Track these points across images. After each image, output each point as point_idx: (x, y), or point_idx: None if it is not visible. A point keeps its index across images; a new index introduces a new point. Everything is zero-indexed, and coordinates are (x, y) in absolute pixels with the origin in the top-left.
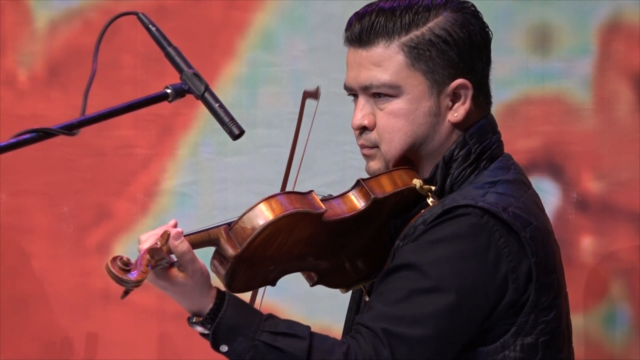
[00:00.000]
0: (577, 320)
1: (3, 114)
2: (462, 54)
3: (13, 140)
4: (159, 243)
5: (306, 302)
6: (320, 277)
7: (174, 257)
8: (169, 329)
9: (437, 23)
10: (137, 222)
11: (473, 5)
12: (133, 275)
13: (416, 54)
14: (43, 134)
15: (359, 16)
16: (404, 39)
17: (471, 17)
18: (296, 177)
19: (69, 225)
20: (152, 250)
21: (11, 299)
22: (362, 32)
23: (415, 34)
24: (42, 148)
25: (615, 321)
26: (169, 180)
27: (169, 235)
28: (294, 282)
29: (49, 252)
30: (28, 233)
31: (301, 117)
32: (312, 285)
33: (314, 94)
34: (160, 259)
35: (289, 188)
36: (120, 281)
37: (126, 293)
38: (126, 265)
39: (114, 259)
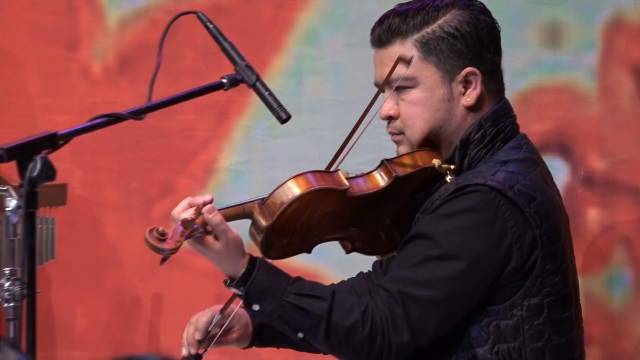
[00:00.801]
0: (584, 283)
1: (80, 101)
2: (469, 46)
3: (88, 124)
4: (192, 216)
5: (345, 267)
6: (354, 245)
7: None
8: (225, 290)
9: (445, 20)
10: (196, 196)
11: (481, 3)
12: (167, 245)
13: (428, 48)
14: (114, 119)
15: (379, 21)
16: (417, 36)
17: (478, 13)
18: (342, 158)
19: (137, 198)
20: (185, 222)
21: (87, 264)
22: (381, 34)
23: (426, 31)
24: (114, 131)
25: (616, 283)
26: (225, 160)
27: (200, 208)
28: (333, 249)
29: (119, 222)
30: (101, 205)
31: (370, 107)
32: (347, 253)
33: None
34: (193, 230)
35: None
36: (155, 249)
37: (164, 260)
38: (162, 236)
39: (151, 229)
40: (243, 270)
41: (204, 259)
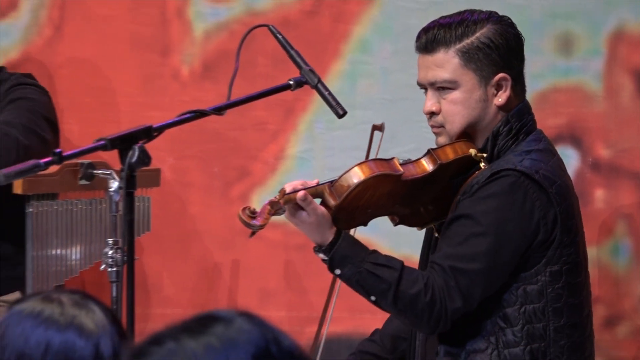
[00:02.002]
0: (592, 252)
1: (170, 100)
2: (502, 55)
3: (178, 119)
4: (277, 197)
5: (393, 238)
6: (401, 219)
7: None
8: (292, 258)
9: (482, 33)
10: (268, 179)
11: (509, 18)
12: (257, 221)
13: (467, 57)
14: (199, 114)
15: (424, 30)
16: (458, 46)
17: (508, 27)
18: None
19: (218, 181)
20: (272, 203)
21: (175, 236)
22: (427, 42)
23: (466, 42)
24: (199, 124)
25: (619, 252)
26: (292, 149)
27: (284, 191)
28: (383, 223)
29: (203, 201)
30: (188, 187)
31: (370, 146)
32: (395, 225)
33: (380, 128)
34: (278, 209)
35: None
36: (247, 225)
37: (253, 233)
38: (252, 214)
39: (244, 208)
40: (330, 239)
41: (275, 232)
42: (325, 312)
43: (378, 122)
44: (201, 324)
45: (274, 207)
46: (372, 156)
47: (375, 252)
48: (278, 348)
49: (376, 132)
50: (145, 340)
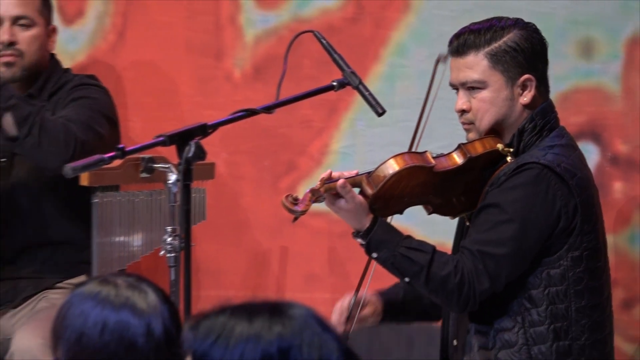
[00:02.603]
0: (610, 239)
1: (224, 100)
2: (527, 58)
3: (231, 117)
4: (318, 186)
5: (428, 226)
6: (435, 208)
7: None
8: (335, 244)
9: (509, 37)
10: (313, 173)
11: (534, 25)
12: (299, 207)
13: (496, 59)
14: (250, 113)
15: (456, 36)
16: (487, 49)
17: (533, 32)
18: (419, 141)
19: (267, 174)
20: (313, 191)
21: (228, 224)
22: (458, 46)
23: (494, 45)
24: (250, 122)
25: (635, 239)
26: (335, 144)
27: (324, 180)
28: (418, 212)
29: (254, 192)
30: (240, 179)
31: (432, 80)
32: (429, 214)
33: (444, 58)
34: (318, 196)
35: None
36: (290, 211)
37: (295, 219)
38: (295, 201)
39: (287, 196)
40: (367, 225)
41: (319, 221)
42: (358, 291)
43: (443, 54)
44: (264, 312)
45: (315, 195)
46: (434, 89)
47: (409, 237)
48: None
49: (440, 65)
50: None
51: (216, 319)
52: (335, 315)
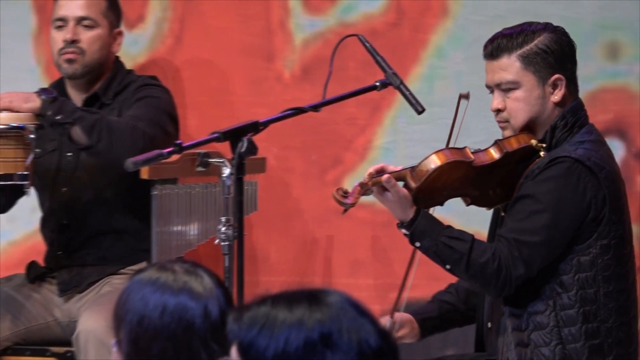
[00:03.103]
0: (635, 229)
1: (274, 99)
2: (557, 59)
3: (281, 115)
4: (366, 180)
5: (465, 216)
6: (472, 200)
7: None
8: (378, 233)
9: (540, 40)
10: (357, 166)
11: (563, 28)
12: (349, 200)
13: (527, 61)
14: (299, 111)
15: (490, 40)
16: (519, 52)
17: (561, 35)
18: (455, 140)
19: (315, 168)
20: (361, 184)
21: (279, 215)
22: (493, 50)
23: (526, 48)
24: (299, 119)
25: None
26: (378, 140)
27: (372, 174)
28: (457, 204)
29: (302, 185)
30: (289, 173)
31: (456, 113)
32: (467, 205)
33: (466, 96)
34: (367, 190)
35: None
36: (340, 203)
37: (345, 210)
38: (345, 194)
39: (337, 189)
40: (411, 216)
41: (363, 211)
42: (406, 279)
43: (464, 92)
44: (303, 300)
45: (364, 188)
46: (458, 122)
47: (449, 227)
48: (349, 339)
49: (462, 100)
50: (253, 301)
51: (258, 309)
52: None
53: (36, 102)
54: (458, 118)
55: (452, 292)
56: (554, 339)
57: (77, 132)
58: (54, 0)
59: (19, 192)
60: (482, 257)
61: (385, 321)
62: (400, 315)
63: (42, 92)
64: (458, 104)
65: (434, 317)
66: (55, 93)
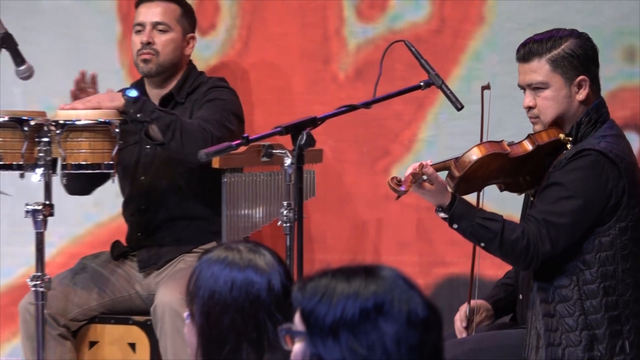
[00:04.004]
0: None
1: (330, 97)
2: (582, 62)
3: (336, 111)
4: (416, 170)
5: (500, 201)
6: (506, 187)
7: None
8: (422, 216)
9: (566, 45)
10: (404, 157)
11: (587, 34)
12: (402, 188)
13: (555, 64)
14: (352, 108)
15: (522, 45)
16: (548, 56)
17: (586, 40)
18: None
19: (366, 158)
20: (414, 174)
21: (334, 200)
22: (524, 54)
23: (554, 52)
24: (352, 115)
25: None
26: (422, 134)
27: (422, 166)
28: (492, 190)
29: (354, 173)
30: (343, 163)
31: (482, 104)
32: (501, 191)
33: (487, 87)
34: (417, 179)
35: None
36: (395, 191)
37: (398, 197)
38: (399, 182)
39: (392, 178)
40: (448, 202)
41: (409, 197)
42: (473, 269)
43: (485, 84)
44: (360, 274)
45: (415, 177)
46: (486, 113)
47: (481, 209)
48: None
49: (485, 92)
50: (316, 273)
51: (320, 281)
52: (457, 323)
53: (120, 102)
54: (485, 108)
55: (511, 277)
56: (577, 310)
57: (154, 130)
58: (135, 8)
59: (103, 178)
60: (512, 235)
61: (464, 308)
62: (476, 302)
63: (126, 90)
64: (482, 96)
65: (503, 299)
66: (138, 93)
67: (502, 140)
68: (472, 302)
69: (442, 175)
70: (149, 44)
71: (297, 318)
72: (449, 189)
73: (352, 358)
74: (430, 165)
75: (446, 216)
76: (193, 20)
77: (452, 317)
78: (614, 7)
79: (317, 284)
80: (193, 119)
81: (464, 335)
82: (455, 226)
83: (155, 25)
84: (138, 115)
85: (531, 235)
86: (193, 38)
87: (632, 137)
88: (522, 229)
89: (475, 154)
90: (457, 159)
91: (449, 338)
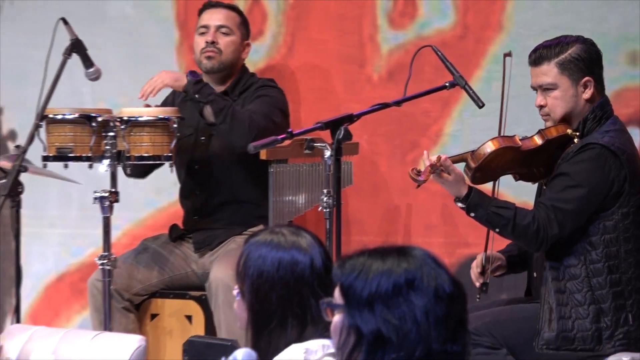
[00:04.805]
0: None
1: (365, 96)
2: (587, 65)
3: (370, 109)
4: (434, 162)
5: (515, 189)
6: (520, 177)
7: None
8: (447, 202)
9: (573, 50)
10: (431, 150)
11: (591, 40)
12: (421, 178)
13: (563, 67)
14: (385, 106)
15: (533, 50)
16: (557, 60)
17: (591, 45)
18: (504, 127)
19: (397, 150)
20: (432, 165)
21: (369, 187)
22: (535, 59)
23: (562, 57)
24: (385, 112)
25: None
26: (447, 129)
27: (439, 158)
28: (508, 180)
29: (387, 164)
30: (377, 155)
31: (504, 71)
32: (516, 181)
33: (509, 54)
34: (435, 170)
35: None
36: (414, 180)
37: (418, 185)
38: (418, 172)
39: (412, 169)
40: (465, 192)
41: (436, 185)
42: (486, 250)
43: (507, 52)
44: (393, 253)
45: (433, 168)
46: (507, 79)
47: (496, 199)
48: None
49: (507, 59)
50: (354, 252)
51: (357, 259)
52: (473, 270)
53: (183, 81)
54: (506, 74)
55: (513, 244)
56: (585, 286)
57: (208, 111)
58: (198, 14)
59: (158, 165)
60: (524, 221)
61: (481, 256)
62: (492, 252)
63: (190, 73)
64: (504, 63)
65: (515, 255)
66: (200, 76)
67: (515, 135)
68: (488, 252)
69: (460, 167)
70: (213, 43)
71: (337, 292)
72: (467, 179)
73: (386, 327)
74: (448, 158)
75: (463, 206)
76: (249, 29)
77: (474, 292)
78: (618, 16)
79: (354, 262)
80: (243, 110)
81: (480, 281)
82: (472, 215)
83: (218, 27)
84: (197, 96)
85: (541, 220)
86: (248, 45)
87: (634, 132)
88: (533, 215)
89: (489, 147)
90: (473, 152)
91: (471, 311)
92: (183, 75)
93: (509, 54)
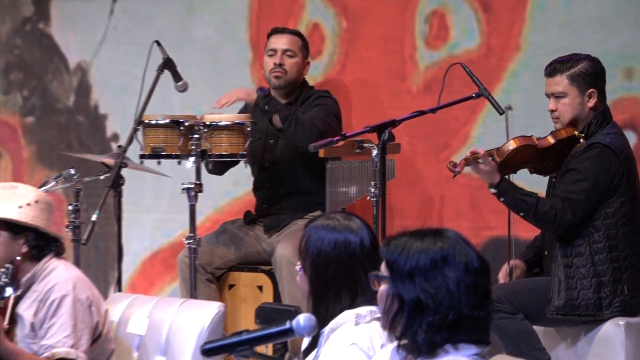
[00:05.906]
0: None
1: (406, 105)
2: (592, 78)
3: (409, 115)
4: (468, 156)
5: (530, 180)
6: (535, 170)
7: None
8: (474, 192)
9: (582, 66)
10: (460, 149)
11: (597, 58)
12: (457, 169)
13: (573, 79)
14: (422, 113)
15: (549, 65)
16: (567, 73)
17: (596, 62)
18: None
19: (432, 150)
20: (465, 159)
21: (408, 180)
22: (550, 71)
23: (572, 71)
24: (422, 118)
25: None
26: (474, 132)
27: (472, 152)
28: (524, 173)
29: (424, 161)
30: (416, 153)
31: (507, 125)
32: (531, 174)
33: (509, 107)
34: (469, 162)
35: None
36: (451, 171)
37: (454, 176)
38: (454, 165)
39: (450, 162)
40: (497, 181)
41: (464, 178)
42: (509, 263)
43: (504, 106)
44: (430, 234)
45: (467, 161)
46: (510, 126)
47: (522, 188)
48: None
49: (509, 112)
50: (397, 233)
51: (400, 239)
52: (501, 281)
53: (254, 95)
54: (510, 125)
55: (537, 242)
56: (589, 262)
57: (276, 119)
58: (267, 38)
59: (233, 164)
60: (544, 208)
61: (505, 267)
62: (514, 261)
63: (259, 89)
64: (507, 118)
65: (532, 257)
66: (269, 91)
67: (532, 135)
68: (511, 262)
69: None
70: (280, 65)
71: (383, 266)
72: (498, 172)
73: (424, 295)
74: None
75: (495, 191)
76: (309, 50)
77: (496, 267)
78: (617, 38)
79: (398, 242)
80: (305, 116)
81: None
82: (502, 199)
83: (284, 51)
84: (266, 107)
85: (557, 208)
86: (308, 63)
87: (629, 135)
88: (551, 203)
89: (511, 145)
90: (498, 149)
91: (494, 282)
92: (253, 91)
93: (509, 108)
